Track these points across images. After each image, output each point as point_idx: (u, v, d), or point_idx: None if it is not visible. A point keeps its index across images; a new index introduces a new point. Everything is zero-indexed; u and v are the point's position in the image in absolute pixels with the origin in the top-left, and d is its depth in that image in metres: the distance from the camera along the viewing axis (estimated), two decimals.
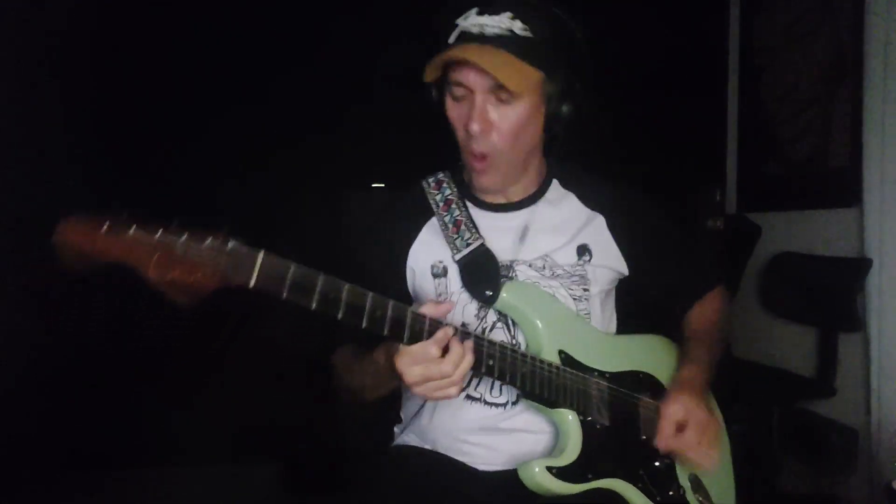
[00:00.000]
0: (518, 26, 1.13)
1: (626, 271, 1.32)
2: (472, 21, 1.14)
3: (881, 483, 1.97)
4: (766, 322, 2.70)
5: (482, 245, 1.23)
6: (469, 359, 1.01)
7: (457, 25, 1.16)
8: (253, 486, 2.66)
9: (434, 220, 1.28)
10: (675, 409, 1.17)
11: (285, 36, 2.93)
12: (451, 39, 1.16)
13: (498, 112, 1.15)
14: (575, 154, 1.30)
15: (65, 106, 2.68)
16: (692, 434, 1.16)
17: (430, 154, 1.31)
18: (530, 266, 1.25)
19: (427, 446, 1.27)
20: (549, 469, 1.08)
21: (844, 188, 2.31)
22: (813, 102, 2.53)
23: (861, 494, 2.23)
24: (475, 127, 1.14)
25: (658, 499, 1.18)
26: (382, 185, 3.02)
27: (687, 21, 2.99)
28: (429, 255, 1.26)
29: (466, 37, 1.14)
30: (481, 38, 1.13)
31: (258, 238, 0.92)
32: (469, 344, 1.02)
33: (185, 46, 2.84)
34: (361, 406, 1.25)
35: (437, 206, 1.29)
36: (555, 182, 1.34)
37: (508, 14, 1.13)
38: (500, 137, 1.17)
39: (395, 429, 1.36)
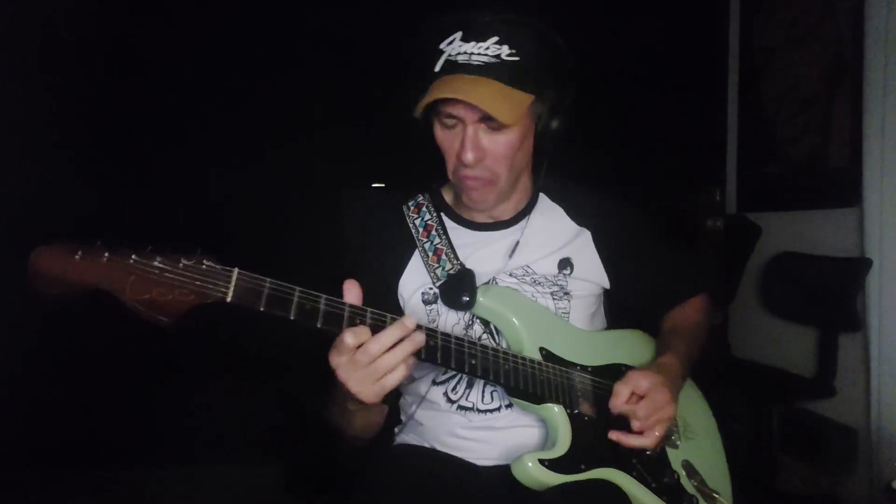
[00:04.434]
0: (505, 51, 1.11)
1: (607, 285, 1.33)
2: (458, 49, 1.12)
3: (881, 483, 1.98)
4: (766, 322, 2.70)
5: (462, 268, 1.24)
6: (400, 349, 0.97)
7: (441, 51, 1.14)
8: (255, 487, 2.66)
9: (417, 251, 1.29)
10: (639, 378, 1.17)
11: (284, 35, 2.93)
12: (437, 67, 1.14)
13: (490, 139, 1.15)
14: (572, 157, 1.30)
15: (57, 109, 2.68)
16: (642, 408, 1.15)
17: (430, 153, 1.31)
18: (510, 274, 1.26)
19: (426, 444, 1.29)
20: (542, 462, 1.09)
21: (844, 188, 2.31)
22: (813, 102, 2.53)
23: (861, 494, 2.24)
24: (469, 156, 1.14)
25: (653, 486, 1.18)
26: (382, 185, 3.02)
27: (687, 21, 2.99)
28: (418, 285, 1.27)
29: (453, 66, 1.12)
30: (469, 68, 1.11)
31: (251, 243, 0.93)
32: (413, 336, 0.98)
33: (185, 46, 2.84)
34: (368, 440, 1.25)
35: (418, 231, 1.30)
36: (542, 196, 1.35)
37: (494, 38, 1.11)
38: (494, 162, 1.17)
39: (395, 429, 1.36)
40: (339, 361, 0.96)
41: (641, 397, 1.16)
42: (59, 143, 2.67)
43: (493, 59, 1.11)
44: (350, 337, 0.95)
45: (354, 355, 0.95)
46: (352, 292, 1.00)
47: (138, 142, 2.79)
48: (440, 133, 1.19)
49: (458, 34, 1.12)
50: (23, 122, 2.54)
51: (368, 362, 0.95)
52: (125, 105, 2.82)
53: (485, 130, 1.14)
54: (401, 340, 0.98)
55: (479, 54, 1.11)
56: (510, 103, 1.11)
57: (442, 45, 1.13)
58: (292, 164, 2.87)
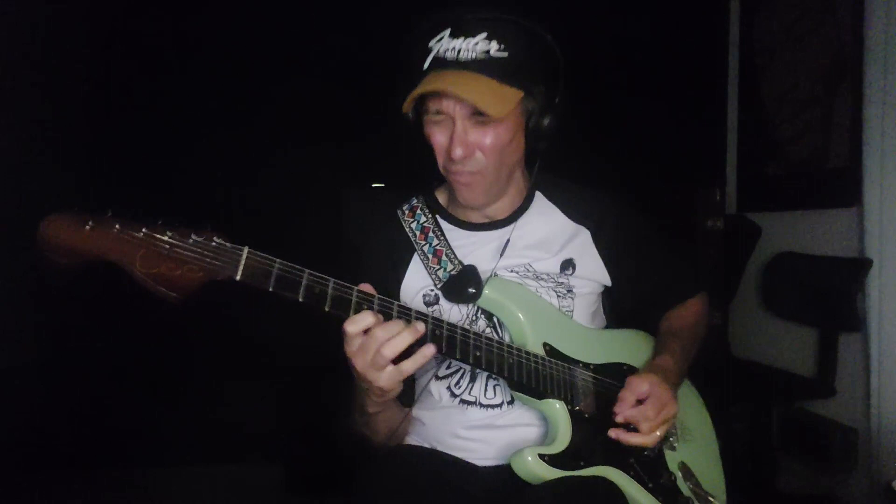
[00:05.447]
0: (494, 47, 1.10)
1: (608, 283, 1.33)
2: (447, 45, 1.11)
3: (881, 483, 1.98)
4: (766, 322, 2.70)
5: (463, 266, 1.24)
6: (403, 337, 0.99)
7: (430, 49, 1.13)
8: (255, 487, 2.66)
9: (416, 254, 1.29)
10: (640, 383, 1.17)
11: (284, 36, 2.93)
12: (426, 65, 1.13)
13: (479, 134, 1.15)
14: (572, 156, 1.30)
15: (62, 105, 2.68)
16: (649, 408, 1.15)
17: (424, 154, 1.31)
18: (512, 271, 1.27)
19: (426, 445, 1.29)
20: (542, 456, 1.10)
21: (844, 188, 2.31)
22: (813, 102, 2.53)
23: (861, 494, 2.23)
24: (458, 152, 1.14)
25: (650, 485, 1.19)
26: (382, 185, 3.02)
27: (687, 21, 2.99)
28: (419, 287, 1.27)
29: (442, 63, 1.12)
30: (457, 64, 1.10)
31: (249, 241, 0.93)
32: (399, 322, 1.00)
33: (187, 47, 2.84)
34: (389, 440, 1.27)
35: (415, 235, 1.30)
36: (538, 194, 1.35)
37: (483, 34, 1.10)
38: (484, 157, 1.17)
39: None
40: (350, 351, 0.99)
41: (641, 401, 1.17)
42: (70, 133, 2.68)
43: (482, 55, 1.10)
44: (350, 325, 0.97)
45: (364, 341, 0.97)
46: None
47: (139, 139, 2.80)
48: (430, 131, 1.19)
49: (447, 31, 1.11)
50: (37, 110, 2.56)
51: (377, 347, 0.97)
52: (132, 103, 2.83)
53: (474, 125, 1.14)
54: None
55: (467, 50, 1.10)
56: (499, 98, 1.11)
57: (431, 43, 1.13)
58: (290, 165, 2.87)
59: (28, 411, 2.49)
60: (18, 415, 2.42)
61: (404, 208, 1.35)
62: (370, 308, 0.99)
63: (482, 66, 1.10)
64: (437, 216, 1.33)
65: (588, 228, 1.32)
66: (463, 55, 1.10)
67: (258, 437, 2.72)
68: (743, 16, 2.96)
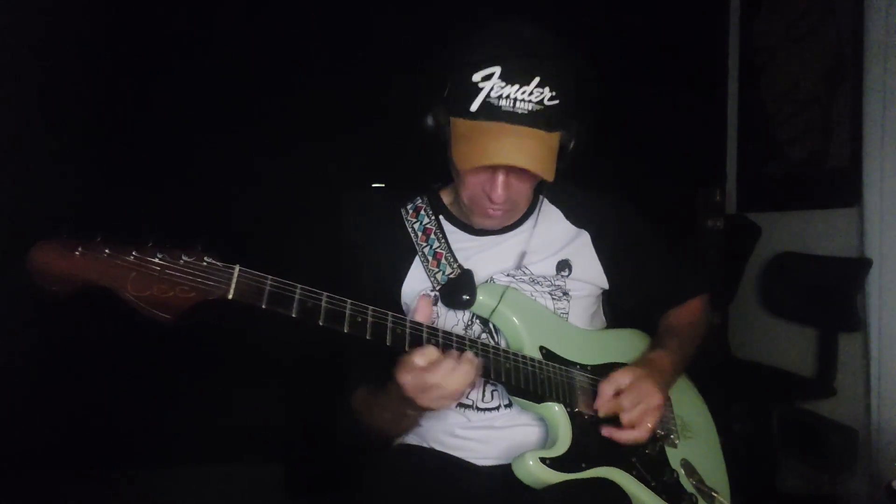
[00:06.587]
0: (547, 96, 1.07)
1: (605, 286, 1.33)
2: (499, 91, 1.06)
3: (881, 483, 1.98)
4: (766, 322, 2.70)
5: (462, 270, 1.24)
6: (463, 370, 1.02)
7: (477, 87, 1.07)
8: (255, 487, 2.66)
9: (417, 256, 1.29)
10: (621, 375, 1.18)
11: (285, 35, 2.93)
12: (474, 107, 1.08)
13: (521, 182, 1.17)
14: (571, 158, 1.30)
15: (55, 114, 2.68)
16: (626, 399, 1.15)
17: (430, 155, 1.31)
18: (507, 275, 1.27)
19: (425, 445, 1.29)
20: (543, 460, 1.10)
21: (844, 188, 2.31)
22: (813, 102, 2.53)
23: (861, 494, 2.24)
24: (501, 197, 1.15)
25: (653, 484, 1.19)
26: (382, 185, 3.02)
27: (687, 21, 2.99)
28: (419, 289, 1.27)
29: (494, 112, 1.07)
30: (513, 117, 1.07)
31: (249, 244, 0.94)
32: (467, 356, 1.04)
33: (189, 48, 2.84)
34: (387, 441, 1.29)
35: (416, 235, 1.30)
36: (543, 199, 1.35)
37: (536, 80, 1.06)
38: (519, 196, 1.20)
39: None
40: (408, 379, 1.01)
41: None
42: (64, 141, 2.68)
43: (538, 108, 1.08)
44: (420, 358, 1.00)
45: (424, 375, 1.00)
46: (423, 311, 1.06)
47: (138, 142, 2.79)
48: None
49: (497, 70, 1.06)
50: (27, 120, 2.55)
51: (440, 380, 1.00)
52: (126, 104, 2.82)
53: (517, 173, 1.15)
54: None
55: (523, 101, 1.07)
56: (551, 154, 1.12)
57: (477, 79, 1.07)
58: (291, 165, 2.87)
59: (28, 411, 2.49)
60: (18, 415, 2.42)
61: (408, 207, 1.35)
62: (364, 319, 1.00)
63: (536, 118, 1.08)
64: (441, 217, 1.32)
65: (588, 231, 1.32)
66: (520, 107, 1.07)
67: (258, 437, 2.72)
68: (743, 16, 2.97)
